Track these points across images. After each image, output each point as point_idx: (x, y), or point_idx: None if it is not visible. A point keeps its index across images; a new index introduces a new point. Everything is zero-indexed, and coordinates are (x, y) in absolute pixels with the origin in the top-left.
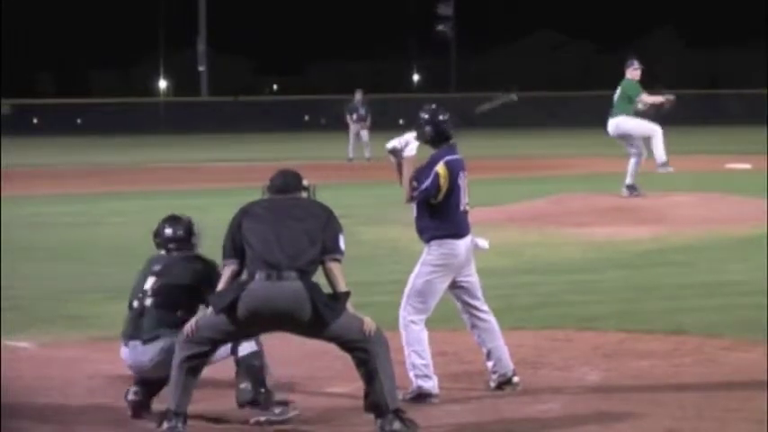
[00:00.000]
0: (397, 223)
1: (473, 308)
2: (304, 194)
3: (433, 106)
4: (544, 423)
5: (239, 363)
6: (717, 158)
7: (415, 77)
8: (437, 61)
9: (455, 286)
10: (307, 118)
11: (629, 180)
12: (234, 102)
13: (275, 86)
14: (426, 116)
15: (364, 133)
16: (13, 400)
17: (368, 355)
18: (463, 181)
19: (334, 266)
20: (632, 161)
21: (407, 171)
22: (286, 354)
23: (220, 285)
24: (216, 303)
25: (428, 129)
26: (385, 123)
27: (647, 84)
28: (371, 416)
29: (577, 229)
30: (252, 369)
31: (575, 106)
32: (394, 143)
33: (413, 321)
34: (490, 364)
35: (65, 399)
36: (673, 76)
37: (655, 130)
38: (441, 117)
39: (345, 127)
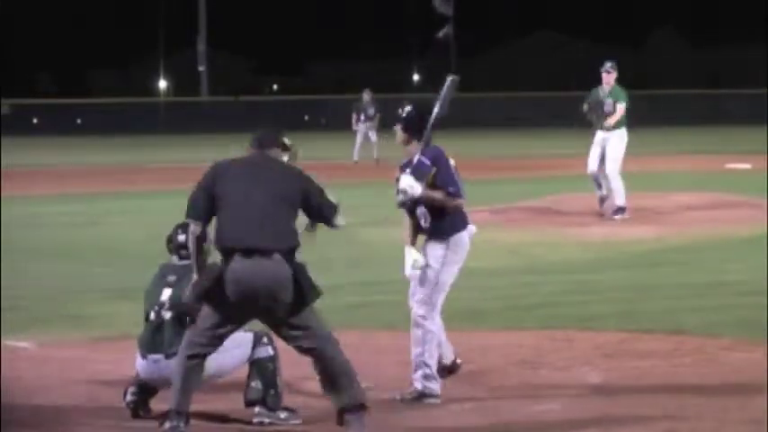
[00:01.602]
0: (397, 224)
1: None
2: (284, 156)
3: (413, 103)
4: (544, 423)
5: (253, 363)
6: (717, 158)
7: (415, 77)
8: (437, 61)
9: None
10: (307, 118)
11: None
12: (234, 102)
13: (275, 86)
14: (411, 109)
15: (372, 134)
16: (12, 400)
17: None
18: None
19: (339, 221)
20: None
21: (434, 194)
22: (286, 353)
23: (191, 248)
24: (194, 292)
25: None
26: (385, 123)
27: (648, 83)
28: (373, 415)
29: (577, 229)
30: (265, 370)
31: (575, 106)
32: (401, 197)
33: (427, 318)
34: (445, 353)
35: (65, 399)
36: (673, 75)
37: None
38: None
39: (350, 127)
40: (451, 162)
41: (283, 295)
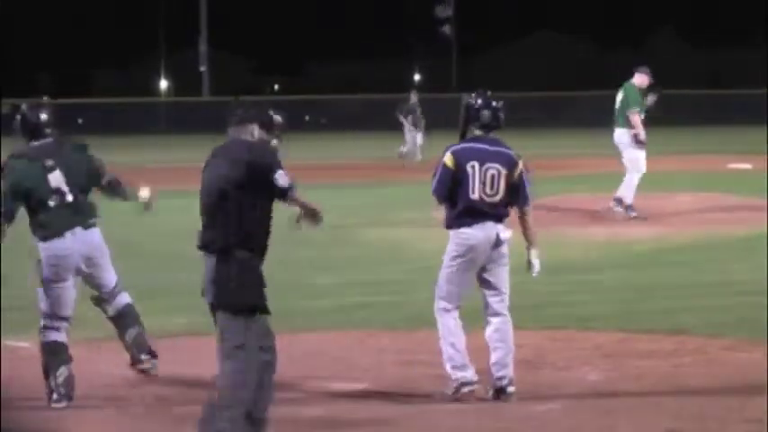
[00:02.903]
0: (397, 224)
1: (488, 304)
2: (270, 138)
3: (488, 93)
4: (545, 423)
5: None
6: (718, 158)
7: (416, 77)
8: (438, 61)
9: (479, 278)
10: (307, 118)
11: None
12: (235, 102)
13: (276, 86)
14: (467, 101)
15: (419, 136)
16: (12, 400)
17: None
18: (479, 169)
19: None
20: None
21: None
22: (286, 353)
23: None
24: None
25: (486, 113)
26: (386, 123)
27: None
28: (371, 416)
29: (578, 229)
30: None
31: (575, 106)
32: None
33: (444, 310)
34: (491, 368)
35: None
36: (674, 76)
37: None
38: (494, 104)
39: (399, 127)
40: (445, 160)
41: (211, 297)
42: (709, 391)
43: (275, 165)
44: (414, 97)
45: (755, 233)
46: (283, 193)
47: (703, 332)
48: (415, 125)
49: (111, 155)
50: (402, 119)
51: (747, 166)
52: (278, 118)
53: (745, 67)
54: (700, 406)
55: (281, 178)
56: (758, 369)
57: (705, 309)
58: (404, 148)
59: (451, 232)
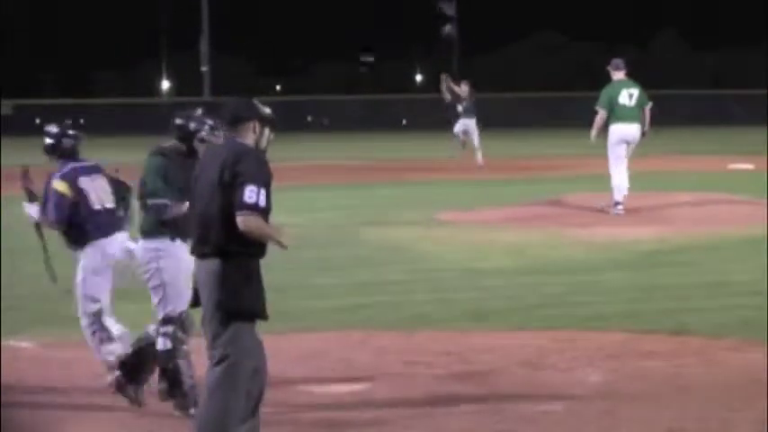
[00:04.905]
0: (397, 224)
1: (103, 311)
2: (265, 131)
3: (58, 125)
4: (547, 423)
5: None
6: (719, 159)
7: (418, 77)
8: (440, 61)
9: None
10: (310, 118)
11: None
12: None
13: (278, 87)
14: (53, 131)
15: (475, 135)
16: (13, 400)
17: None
18: (90, 183)
19: (239, 222)
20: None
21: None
22: (286, 353)
23: None
24: None
25: (48, 142)
26: (386, 123)
27: (650, 84)
28: (371, 416)
29: (579, 229)
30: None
31: (575, 106)
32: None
33: (90, 325)
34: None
35: (65, 399)
36: (675, 76)
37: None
38: (69, 132)
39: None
40: (56, 186)
41: (208, 300)
42: (711, 391)
43: (253, 177)
44: (465, 87)
45: (756, 233)
46: (241, 207)
47: (705, 333)
48: (466, 117)
49: (113, 155)
50: (450, 109)
51: (749, 166)
52: (268, 110)
53: (746, 67)
54: (701, 407)
55: (249, 193)
56: (759, 370)
57: (706, 309)
58: (460, 145)
59: (87, 247)
